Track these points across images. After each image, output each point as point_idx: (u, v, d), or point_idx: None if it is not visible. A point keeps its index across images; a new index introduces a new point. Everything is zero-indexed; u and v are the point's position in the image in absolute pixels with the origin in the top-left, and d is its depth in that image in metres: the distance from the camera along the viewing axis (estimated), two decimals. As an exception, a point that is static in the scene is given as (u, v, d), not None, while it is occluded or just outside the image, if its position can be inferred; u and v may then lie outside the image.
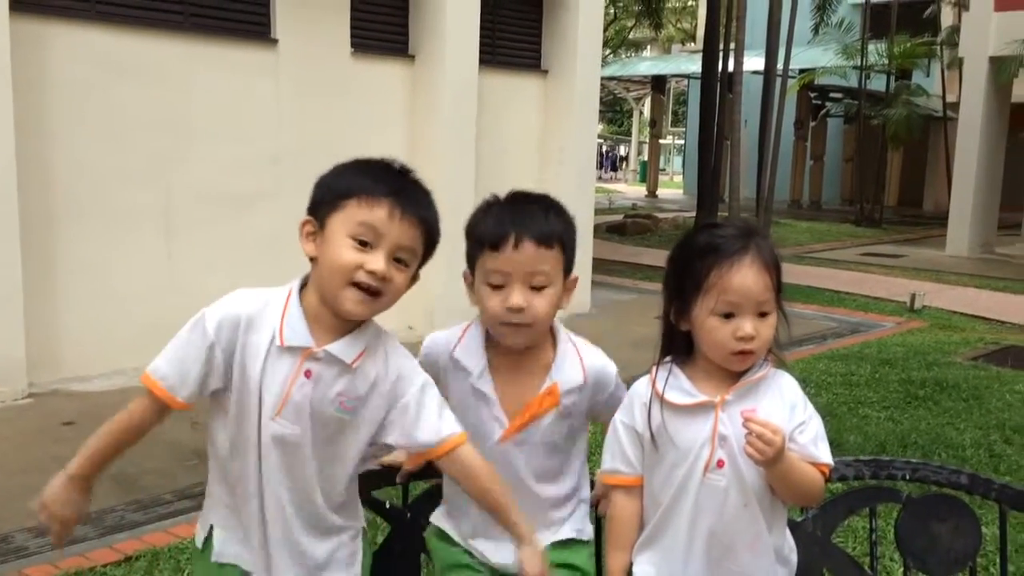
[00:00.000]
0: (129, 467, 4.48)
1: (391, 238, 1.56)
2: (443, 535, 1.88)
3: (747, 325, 1.60)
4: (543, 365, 1.79)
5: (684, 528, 1.65)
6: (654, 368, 1.71)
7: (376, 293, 1.57)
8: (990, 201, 15.49)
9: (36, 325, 5.57)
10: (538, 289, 1.70)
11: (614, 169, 45.09)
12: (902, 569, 1.95)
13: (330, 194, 1.59)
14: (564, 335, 1.83)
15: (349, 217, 1.56)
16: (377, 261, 1.55)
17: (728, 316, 1.61)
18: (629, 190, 33.52)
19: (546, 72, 8.67)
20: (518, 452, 1.78)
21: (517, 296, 1.67)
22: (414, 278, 1.66)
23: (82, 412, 5.28)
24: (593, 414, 1.86)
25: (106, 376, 5.86)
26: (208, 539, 1.70)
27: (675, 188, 35.04)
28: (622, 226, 16.53)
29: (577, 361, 1.79)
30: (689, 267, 1.65)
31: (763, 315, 1.62)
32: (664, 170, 42.79)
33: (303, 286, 1.65)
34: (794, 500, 1.68)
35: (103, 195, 5.93)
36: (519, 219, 1.70)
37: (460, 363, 1.77)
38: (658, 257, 1.83)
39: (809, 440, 1.63)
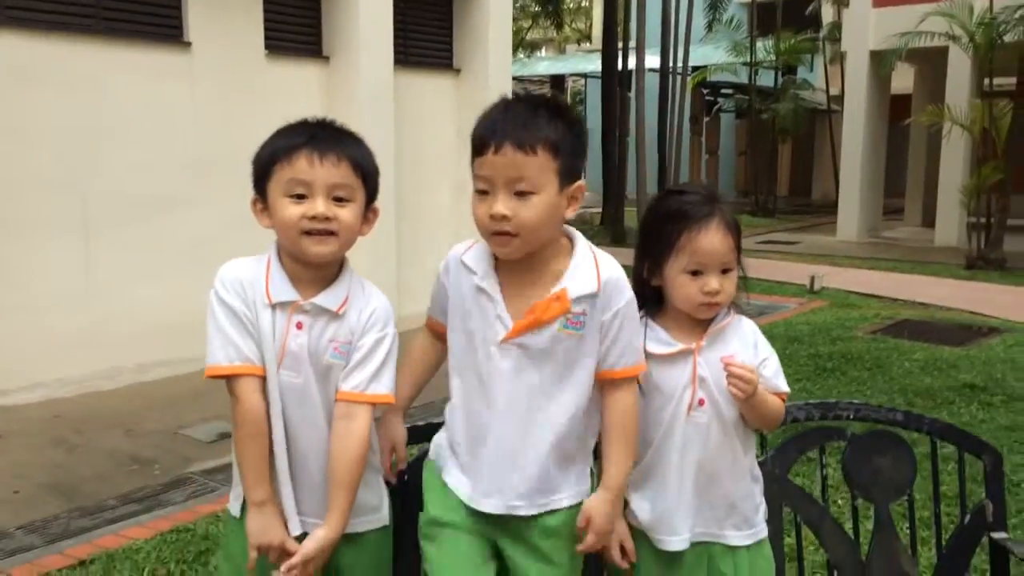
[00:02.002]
0: (68, 477, 4.43)
1: (320, 182, 1.69)
2: (431, 470, 1.86)
3: (713, 281, 1.80)
4: (554, 273, 1.72)
5: (674, 462, 1.83)
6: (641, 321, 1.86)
7: (329, 233, 1.70)
8: (875, 188, 16.37)
9: (-48, 339, 5.39)
10: (523, 196, 1.64)
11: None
12: (850, 499, 2.17)
13: (260, 166, 1.74)
14: (584, 245, 1.76)
15: (279, 179, 1.70)
16: (314, 206, 1.68)
17: (696, 273, 1.81)
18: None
19: (459, 71, 8.81)
20: (522, 354, 1.71)
21: (499, 204, 1.64)
22: (371, 212, 1.79)
23: (7, 425, 5.15)
24: (600, 350, 1.74)
25: (27, 389, 5.70)
26: (244, 506, 1.75)
27: (576, 186, 35.59)
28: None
29: (593, 270, 1.72)
30: (661, 230, 1.83)
31: (726, 272, 1.81)
32: (564, 169, 43.32)
33: (279, 252, 1.77)
34: (762, 425, 1.89)
35: (16, 202, 5.75)
36: (504, 123, 1.65)
37: (467, 265, 1.76)
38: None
39: (771, 373, 1.87)
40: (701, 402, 1.82)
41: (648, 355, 1.83)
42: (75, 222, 6.05)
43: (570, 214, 1.72)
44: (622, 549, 1.84)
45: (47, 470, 4.50)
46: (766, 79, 21.95)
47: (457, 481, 1.79)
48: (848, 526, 2.16)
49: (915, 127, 16.29)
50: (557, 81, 29.60)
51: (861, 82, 15.53)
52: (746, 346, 1.86)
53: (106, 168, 6.16)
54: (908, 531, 2.20)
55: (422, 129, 8.32)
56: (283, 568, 1.67)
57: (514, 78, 30.17)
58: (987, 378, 5.90)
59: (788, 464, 2.13)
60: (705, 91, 25.13)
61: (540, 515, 1.76)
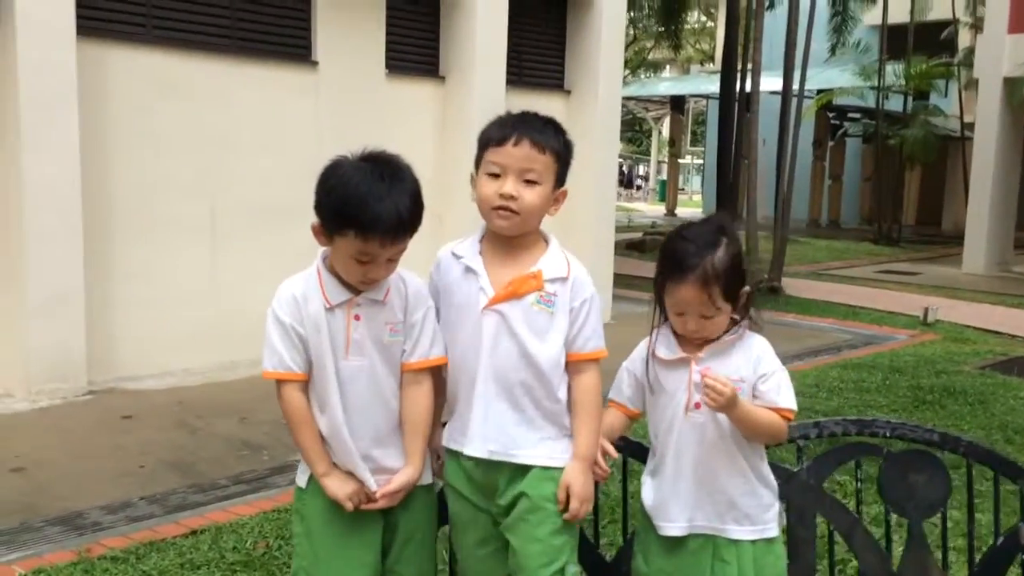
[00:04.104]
0: (188, 456, 4.86)
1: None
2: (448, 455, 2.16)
3: (691, 324, 2.01)
4: (531, 259, 2.05)
5: (672, 456, 2.05)
6: (653, 331, 2.08)
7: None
8: (1006, 219, 15.70)
9: (94, 328, 5.97)
10: (529, 184, 1.99)
11: (630, 187, 45.32)
12: (883, 512, 2.27)
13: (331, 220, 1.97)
14: (556, 245, 2.10)
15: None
16: (377, 272, 1.98)
17: (680, 313, 2.01)
18: (648, 208, 33.85)
19: (569, 92, 9.06)
20: (501, 323, 2.01)
21: (510, 185, 1.98)
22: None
23: (138, 408, 5.67)
24: (569, 334, 2.02)
25: (157, 376, 6.25)
26: (310, 479, 2.08)
27: (694, 207, 35.31)
28: (641, 243, 16.83)
29: (564, 261, 2.06)
30: (659, 267, 2.05)
31: (709, 314, 1.98)
32: (683, 189, 43.06)
33: (324, 257, 2.06)
34: (756, 438, 2.04)
35: (154, 207, 6.34)
36: (522, 124, 2.01)
37: (457, 254, 2.10)
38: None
39: (771, 388, 2.01)
40: (697, 405, 2.01)
41: (656, 359, 2.05)
42: (204, 226, 6.60)
43: (553, 212, 2.07)
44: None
45: (169, 449, 4.96)
46: (895, 104, 21.32)
47: (456, 440, 2.10)
48: (881, 541, 2.26)
49: (1052, 157, 15.57)
50: (677, 102, 29.52)
51: (994, 109, 14.97)
52: (747, 361, 2.02)
53: (234, 177, 6.69)
54: (940, 548, 2.28)
55: (532, 148, 8.60)
56: (379, 493, 2.02)
57: (634, 98, 30.51)
58: (1096, 419, 5.69)
59: (824, 475, 2.26)
60: (831, 115, 24.61)
61: (516, 474, 2.04)
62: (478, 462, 2.06)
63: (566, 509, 2.01)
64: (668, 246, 2.02)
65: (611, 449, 2.11)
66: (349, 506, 2.02)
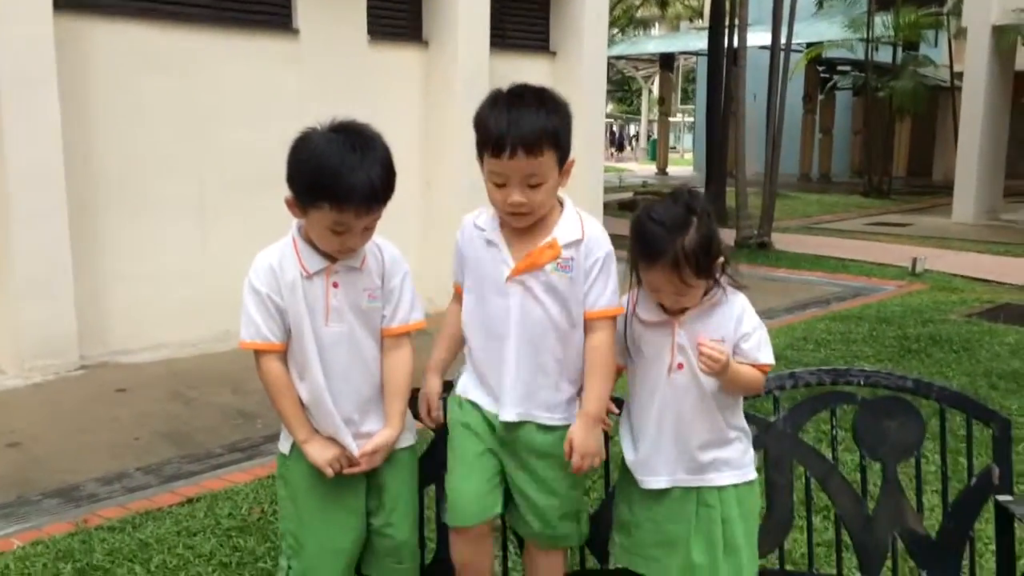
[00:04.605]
0: (182, 427, 4.91)
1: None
2: (456, 401, 2.22)
3: (667, 300, 2.05)
4: (547, 228, 2.09)
5: (654, 415, 2.09)
6: (633, 291, 2.11)
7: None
8: (995, 168, 15.71)
9: (85, 303, 5.99)
10: (534, 187, 2.01)
11: (619, 149, 45.09)
12: (858, 458, 2.33)
13: (305, 193, 1.99)
14: (571, 207, 2.13)
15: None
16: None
17: (655, 290, 2.05)
18: (639, 168, 33.75)
19: (554, 53, 9.01)
20: (525, 292, 2.07)
21: (516, 195, 2.01)
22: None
23: (131, 381, 5.71)
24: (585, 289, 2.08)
25: (150, 349, 6.28)
26: (293, 446, 2.14)
27: (685, 165, 35.26)
28: (632, 203, 16.81)
29: (578, 224, 2.10)
30: (630, 245, 2.05)
31: (683, 293, 2.00)
32: (675, 148, 42.93)
33: (300, 226, 2.08)
34: (737, 393, 2.11)
35: (141, 182, 6.32)
36: (515, 127, 1.97)
37: (478, 226, 2.15)
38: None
39: (752, 347, 2.06)
40: (680, 366, 2.06)
41: (640, 321, 2.08)
42: (192, 198, 6.59)
43: (565, 183, 2.10)
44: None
45: (164, 420, 5.01)
46: (884, 55, 21.21)
47: (480, 399, 2.15)
48: (857, 486, 2.32)
49: (1041, 105, 15.54)
50: (667, 60, 29.34)
51: (982, 58, 14.91)
52: (729, 321, 2.06)
53: (219, 149, 6.67)
54: (915, 491, 2.34)
55: (518, 110, 8.57)
56: (359, 453, 2.07)
57: (623, 57, 30.25)
58: (1081, 363, 5.76)
59: (799, 424, 2.30)
60: (820, 68, 24.48)
61: (534, 432, 2.11)
62: (507, 425, 2.12)
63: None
64: (638, 228, 2.02)
65: (613, 407, 2.19)
66: (329, 472, 2.06)
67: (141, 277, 6.33)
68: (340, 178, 1.92)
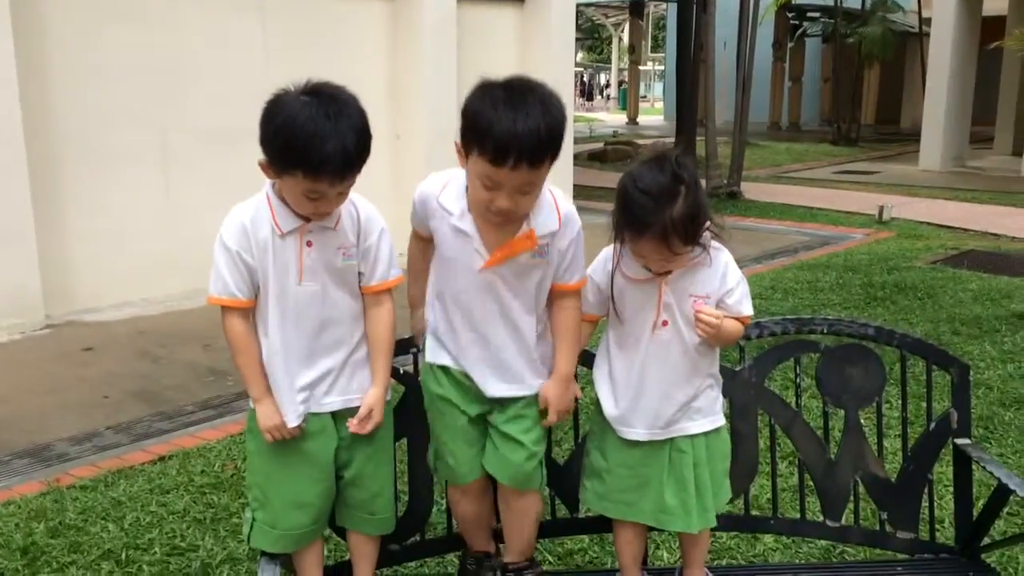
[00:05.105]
0: (152, 385, 4.89)
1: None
2: (430, 369, 2.21)
3: (653, 266, 2.05)
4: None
5: (637, 371, 2.12)
6: (616, 244, 2.09)
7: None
8: (962, 115, 15.82)
9: (49, 261, 5.90)
10: (525, 193, 1.93)
11: (589, 98, 44.77)
12: (821, 405, 2.37)
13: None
14: (545, 188, 2.03)
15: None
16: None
17: (642, 257, 2.04)
18: (610, 118, 33.60)
19: (522, 1, 8.88)
20: (498, 277, 2.05)
21: (505, 201, 1.91)
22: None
23: (98, 339, 5.66)
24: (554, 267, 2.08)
25: (116, 307, 6.22)
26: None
27: (656, 114, 35.12)
28: (603, 153, 16.80)
29: (554, 209, 2.04)
30: (616, 212, 2.03)
31: (670, 260, 2.00)
32: (645, 97, 42.68)
33: (273, 184, 2.04)
34: (720, 346, 2.16)
35: (103, 137, 6.19)
36: (520, 139, 1.83)
37: (444, 207, 2.05)
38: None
39: (736, 301, 2.10)
40: (664, 323, 2.08)
41: (626, 278, 2.08)
42: (155, 153, 6.49)
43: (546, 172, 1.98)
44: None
45: (133, 379, 4.98)
46: (854, 2, 21.15)
47: (451, 362, 2.16)
48: (820, 432, 2.36)
49: (1008, 51, 15.58)
50: (636, 7, 29.05)
51: (950, 3, 14.91)
52: (714, 278, 2.08)
53: (182, 102, 6.55)
54: (876, 436, 2.40)
55: (486, 61, 8.47)
56: (353, 422, 2.09)
57: (592, 4, 29.84)
58: (1041, 308, 5.88)
59: (765, 373, 2.34)
60: (790, 15, 24.37)
61: (512, 399, 2.14)
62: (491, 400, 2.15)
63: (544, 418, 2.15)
64: (624, 198, 1.98)
65: (576, 391, 2.23)
66: (268, 438, 2.07)
67: (106, 234, 6.25)
68: (313, 148, 1.88)
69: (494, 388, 2.12)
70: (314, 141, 1.87)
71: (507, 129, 1.84)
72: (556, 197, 2.07)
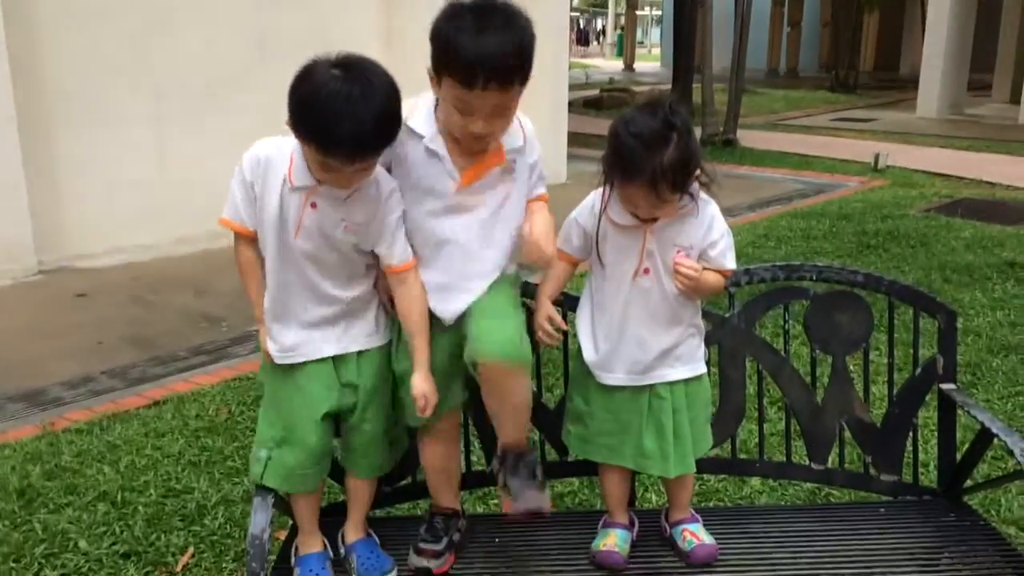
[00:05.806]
0: (146, 331, 4.91)
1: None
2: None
3: (642, 212, 2.04)
4: None
5: (617, 316, 2.12)
6: (604, 189, 2.09)
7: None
8: (961, 61, 15.68)
9: (41, 211, 5.88)
10: (499, 116, 1.93)
11: (585, 44, 44.15)
12: (809, 351, 2.39)
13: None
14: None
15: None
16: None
17: (630, 202, 2.04)
18: (606, 64, 33.25)
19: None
20: (473, 200, 2.04)
21: (480, 125, 1.91)
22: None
23: (91, 285, 5.66)
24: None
25: (109, 253, 6.21)
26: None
27: (653, 61, 34.74)
28: (598, 100, 16.66)
29: (519, 126, 2.06)
30: (606, 154, 2.01)
31: (658, 207, 1.99)
32: (643, 43, 42.23)
33: None
34: (701, 298, 2.17)
35: (92, 89, 6.12)
36: (488, 59, 1.83)
37: (414, 130, 2.00)
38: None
39: (719, 254, 2.10)
40: (647, 271, 2.08)
41: (611, 223, 2.08)
42: (148, 99, 6.41)
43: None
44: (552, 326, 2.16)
45: (127, 324, 4.99)
46: (854, -56, 20.82)
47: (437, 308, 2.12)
48: (807, 378, 2.39)
49: (1009, -4, 15.43)
50: (634, -50, 28.55)
51: (951, -53, 14.70)
52: (698, 229, 2.07)
53: (174, 54, 6.46)
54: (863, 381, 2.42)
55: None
56: (419, 410, 2.09)
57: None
58: (1032, 256, 5.90)
59: (753, 319, 2.35)
60: (790, -42, 24.03)
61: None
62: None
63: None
64: (615, 142, 1.97)
65: (561, 322, 2.19)
66: (267, 359, 2.14)
67: (98, 180, 6.21)
68: (328, 128, 1.86)
69: (453, 308, 2.08)
70: (330, 121, 1.85)
71: (474, 51, 1.84)
72: (522, 120, 2.08)
